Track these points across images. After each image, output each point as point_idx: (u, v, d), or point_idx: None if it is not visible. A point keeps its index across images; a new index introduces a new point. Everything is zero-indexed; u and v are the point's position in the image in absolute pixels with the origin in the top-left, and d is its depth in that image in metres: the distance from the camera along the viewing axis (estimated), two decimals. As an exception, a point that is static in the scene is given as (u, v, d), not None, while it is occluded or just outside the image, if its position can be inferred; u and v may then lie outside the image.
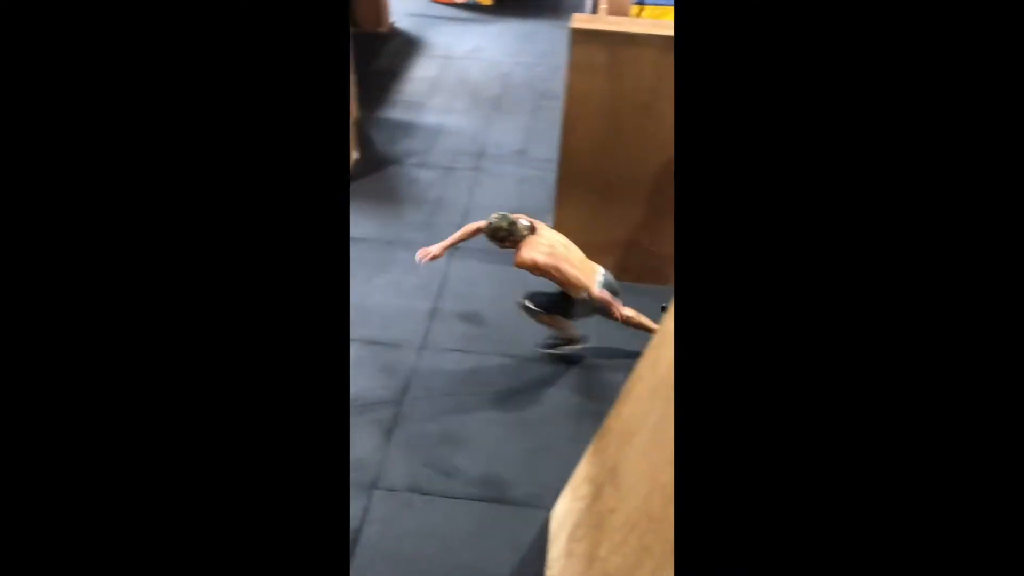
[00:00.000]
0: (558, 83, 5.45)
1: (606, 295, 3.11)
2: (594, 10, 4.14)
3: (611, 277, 3.26)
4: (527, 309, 3.28)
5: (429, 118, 5.48)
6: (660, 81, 3.30)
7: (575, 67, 3.30)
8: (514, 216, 3.18)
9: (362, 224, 4.38)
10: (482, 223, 3.21)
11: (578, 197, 3.74)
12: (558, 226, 3.80)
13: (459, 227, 3.64)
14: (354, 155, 4.86)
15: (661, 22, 3.47)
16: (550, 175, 4.40)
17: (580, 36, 3.20)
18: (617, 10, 5.29)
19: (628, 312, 3.19)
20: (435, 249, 3.26)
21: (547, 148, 5.04)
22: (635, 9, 5.79)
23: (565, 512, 2.56)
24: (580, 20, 3.25)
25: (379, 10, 6.53)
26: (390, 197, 4.60)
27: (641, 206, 3.72)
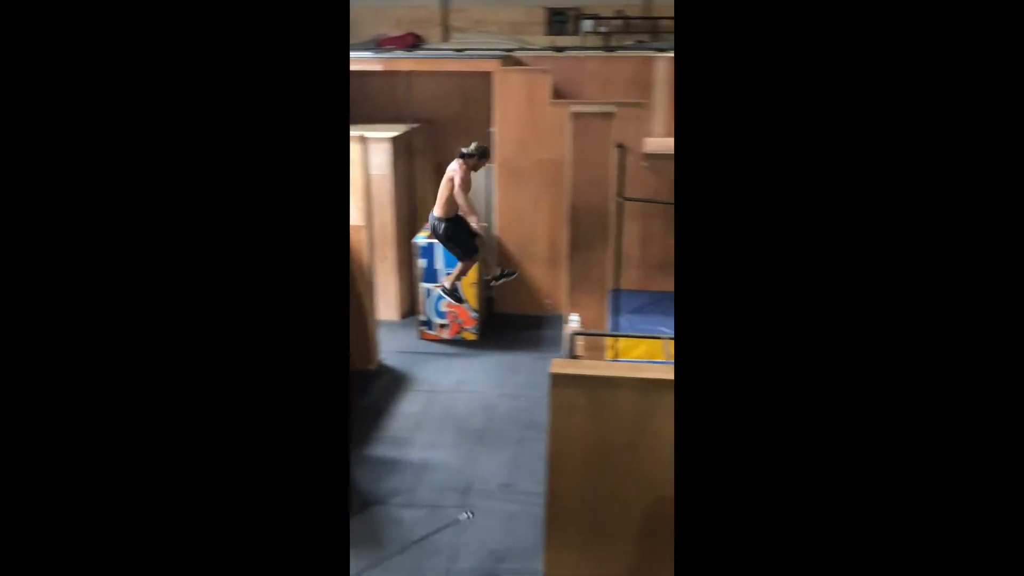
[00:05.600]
0: (541, 414, 5.57)
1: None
2: (571, 350, 4.36)
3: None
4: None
5: (415, 454, 5.49)
6: (641, 421, 3.37)
7: (556, 409, 3.39)
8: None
9: (344, 572, 4.19)
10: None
11: (567, 536, 3.65)
12: (548, 565, 3.66)
13: (446, 570, 3.54)
14: (338, 496, 4.79)
15: (636, 364, 3.63)
16: (538, 509, 4.32)
17: (560, 380, 3.32)
18: (593, 344, 5.57)
19: None
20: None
21: (533, 481, 5.00)
22: (609, 341, 6.10)
23: None
24: (559, 365, 3.40)
25: (368, 348, 6.82)
26: (374, 540, 4.46)
27: (633, 546, 3.61)
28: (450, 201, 5.67)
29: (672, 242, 7.27)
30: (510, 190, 7.61)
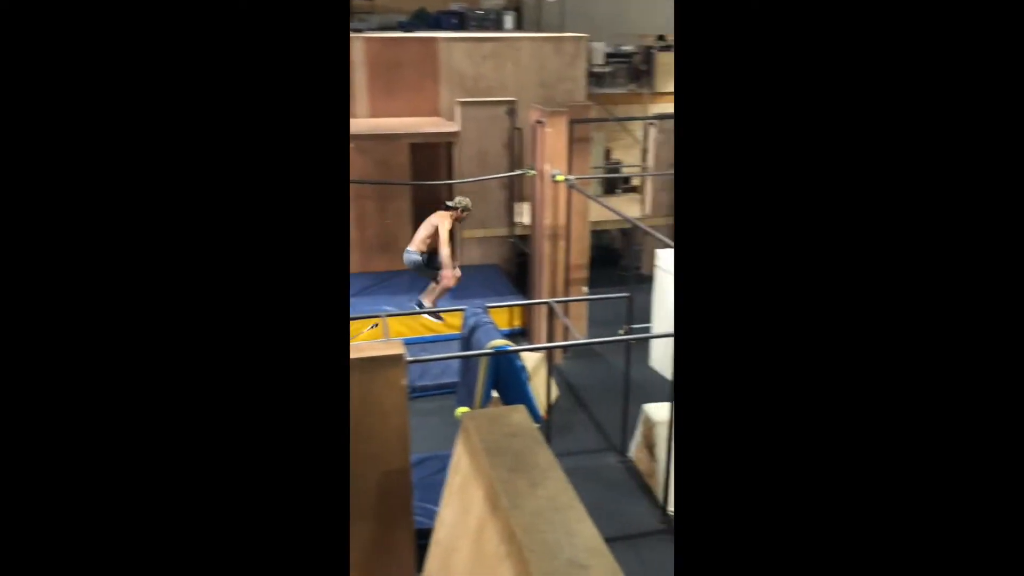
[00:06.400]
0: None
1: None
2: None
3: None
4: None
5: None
6: (364, 400, 3.40)
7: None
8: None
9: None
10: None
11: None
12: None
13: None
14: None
15: (360, 345, 3.64)
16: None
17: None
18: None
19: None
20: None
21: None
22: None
23: None
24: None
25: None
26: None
27: (370, 524, 3.65)
28: (426, 242, 6.21)
29: (388, 222, 7.36)
30: (214, 181, 7.20)
